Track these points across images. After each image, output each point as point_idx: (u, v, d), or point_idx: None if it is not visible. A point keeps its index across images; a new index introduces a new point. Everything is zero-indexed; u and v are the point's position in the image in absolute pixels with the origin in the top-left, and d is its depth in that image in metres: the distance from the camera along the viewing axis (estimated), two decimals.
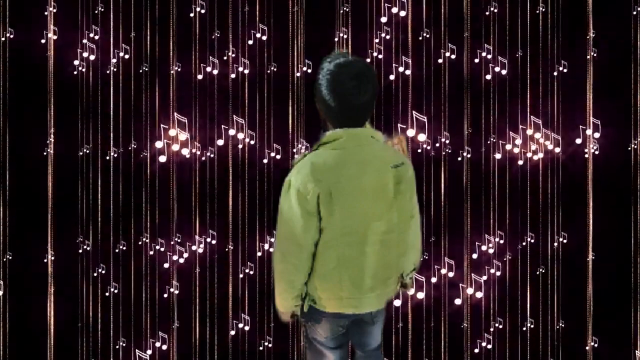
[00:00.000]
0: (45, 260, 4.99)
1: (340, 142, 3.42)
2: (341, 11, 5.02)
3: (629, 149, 5.00)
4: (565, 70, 5.01)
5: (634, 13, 4.99)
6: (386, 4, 5.02)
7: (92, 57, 4.99)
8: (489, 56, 5.01)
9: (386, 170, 3.47)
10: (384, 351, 4.37)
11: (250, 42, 5.01)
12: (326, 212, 3.41)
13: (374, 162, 3.45)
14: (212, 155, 5.03)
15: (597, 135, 5.01)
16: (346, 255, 3.47)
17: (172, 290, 5.03)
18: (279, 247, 3.50)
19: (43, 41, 4.97)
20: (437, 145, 5.02)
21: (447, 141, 5.03)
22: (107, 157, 5.01)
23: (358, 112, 3.39)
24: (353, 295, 3.53)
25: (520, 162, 5.03)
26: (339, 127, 3.44)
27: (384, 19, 5.02)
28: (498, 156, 5.02)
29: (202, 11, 5.01)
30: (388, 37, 5.02)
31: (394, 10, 5.02)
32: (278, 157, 5.03)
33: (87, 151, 4.99)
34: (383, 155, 3.49)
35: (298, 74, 5.02)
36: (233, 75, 5.02)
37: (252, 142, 5.03)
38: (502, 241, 5.04)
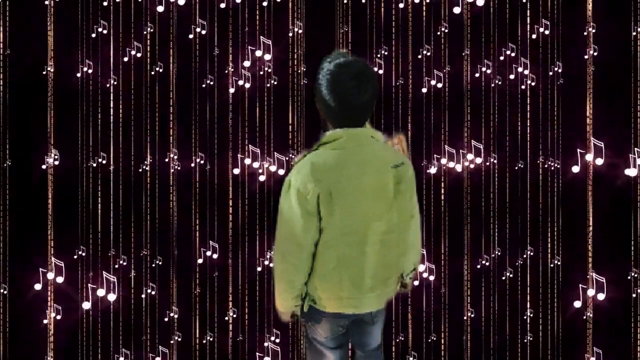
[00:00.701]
0: (39, 286, 4.98)
1: (340, 142, 3.43)
2: (341, 31, 5.05)
3: (629, 170, 5.01)
4: (564, 83, 5.05)
5: (634, 34, 5.02)
6: (387, 24, 5.07)
7: (91, 71, 5.02)
8: (489, 71, 5.04)
9: (386, 170, 3.47)
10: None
11: (248, 63, 5.05)
12: (326, 212, 3.41)
13: (374, 162, 3.45)
14: (209, 167, 5.05)
15: (597, 144, 5.03)
16: (346, 255, 3.47)
17: (171, 314, 5.02)
18: (279, 247, 3.50)
19: (45, 56, 5.01)
20: (436, 161, 5.04)
21: (445, 160, 5.05)
22: (110, 168, 5.02)
23: (358, 112, 3.40)
24: (353, 295, 3.53)
25: (520, 176, 5.04)
26: (339, 127, 3.44)
27: (386, 32, 5.06)
28: (497, 170, 5.04)
29: (203, 31, 5.05)
30: (387, 53, 5.05)
31: (394, 28, 5.06)
32: (273, 167, 5.04)
33: (88, 165, 5.01)
34: (383, 155, 3.50)
35: (301, 83, 5.04)
36: (232, 90, 5.05)
37: (252, 155, 5.04)
38: (501, 255, 5.04)
